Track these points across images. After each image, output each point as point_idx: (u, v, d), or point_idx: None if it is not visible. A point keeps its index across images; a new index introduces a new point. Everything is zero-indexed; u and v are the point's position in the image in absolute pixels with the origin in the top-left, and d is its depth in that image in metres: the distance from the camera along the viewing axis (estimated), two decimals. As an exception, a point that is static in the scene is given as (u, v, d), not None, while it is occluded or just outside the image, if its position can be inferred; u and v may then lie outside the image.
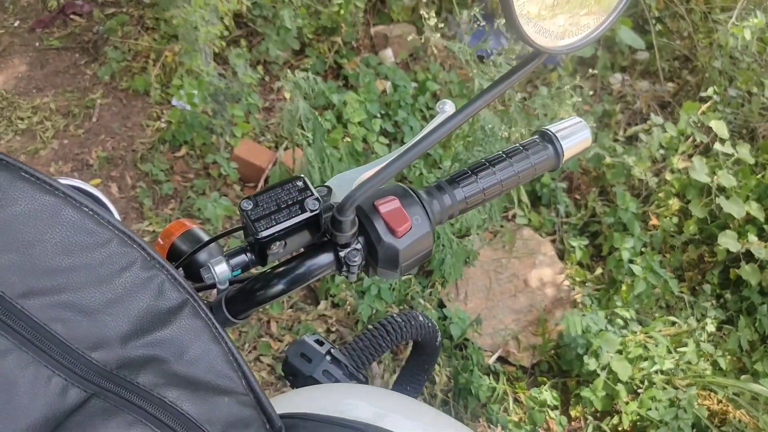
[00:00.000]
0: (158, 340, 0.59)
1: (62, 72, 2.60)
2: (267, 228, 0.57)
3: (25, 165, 0.57)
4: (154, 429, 0.54)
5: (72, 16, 2.82)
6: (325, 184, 0.65)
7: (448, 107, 0.69)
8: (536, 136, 0.64)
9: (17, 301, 0.53)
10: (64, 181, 0.69)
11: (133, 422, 0.53)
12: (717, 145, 1.90)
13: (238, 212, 0.59)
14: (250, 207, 0.57)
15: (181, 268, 0.75)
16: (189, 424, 0.56)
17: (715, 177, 1.82)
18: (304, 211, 0.58)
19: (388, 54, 2.65)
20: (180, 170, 2.25)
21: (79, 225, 0.58)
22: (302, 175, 0.61)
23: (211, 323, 0.61)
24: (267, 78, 2.54)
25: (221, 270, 0.59)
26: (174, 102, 2.33)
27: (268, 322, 1.93)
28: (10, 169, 0.56)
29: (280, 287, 0.60)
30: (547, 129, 0.64)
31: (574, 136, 0.64)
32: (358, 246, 0.59)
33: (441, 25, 2.12)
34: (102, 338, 0.56)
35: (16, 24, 2.79)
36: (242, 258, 0.60)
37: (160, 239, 0.86)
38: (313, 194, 0.59)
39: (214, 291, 0.68)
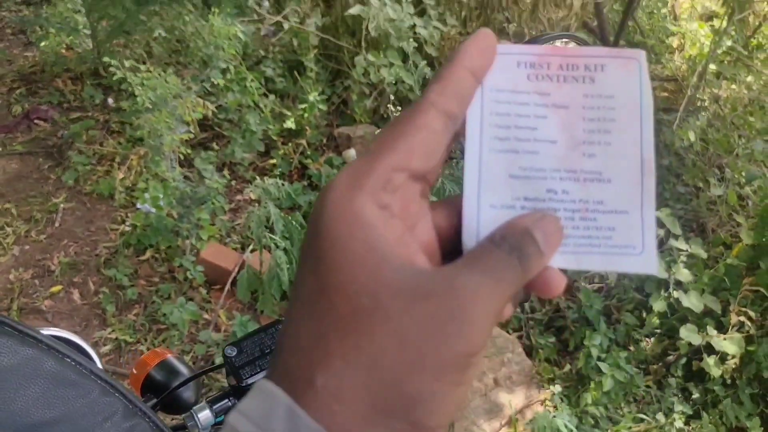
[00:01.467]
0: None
1: (25, 177, 2.60)
2: (252, 375, 0.58)
3: (7, 318, 0.58)
4: None
5: (36, 121, 2.85)
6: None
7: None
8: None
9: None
10: (46, 331, 0.69)
11: None
12: (671, 241, 1.98)
13: (222, 358, 0.60)
14: (234, 354, 0.58)
15: (159, 404, 0.75)
16: None
17: (672, 272, 1.89)
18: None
19: (351, 154, 2.73)
20: (145, 274, 2.23)
21: (60, 376, 0.58)
22: (284, 318, 0.62)
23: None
24: (233, 181, 2.57)
25: (204, 417, 0.59)
26: (139, 205, 2.34)
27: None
28: (-7, 324, 0.56)
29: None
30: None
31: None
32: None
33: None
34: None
35: (-21, 129, 2.79)
36: (226, 404, 0.60)
37: (134, 369, 0.85)
38: (295, 336, 0.60)
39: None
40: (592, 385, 1.80)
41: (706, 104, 2.54)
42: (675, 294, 1.88)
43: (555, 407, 1.78)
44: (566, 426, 1.64)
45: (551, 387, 1.87)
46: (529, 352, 2.01)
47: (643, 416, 1.75)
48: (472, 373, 0.29)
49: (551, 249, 0.31)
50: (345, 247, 0.28)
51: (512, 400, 1.85)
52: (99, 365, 0.75)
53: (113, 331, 2.05)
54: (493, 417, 1.83)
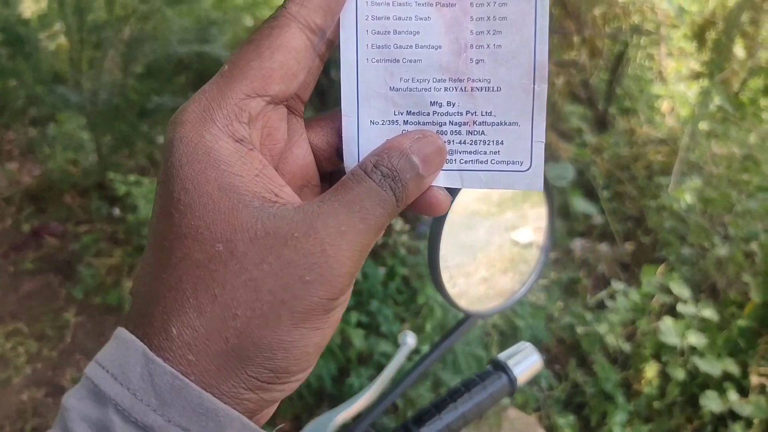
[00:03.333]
0: None
1: (37, 294, 2.63)
2: None
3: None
4: None
5: (46, 238, 2.91)
6: (301, 431, 0.66)
7: (410, 339, 0.73)
8: (489, 366, 0.68)
9: None
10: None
11: None
12: (680, 306, 1.96)
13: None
14: None
15: None
16: None
17: (684, 338, 1.86)
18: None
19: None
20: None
21: None
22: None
23: None
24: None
25: None
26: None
27: None
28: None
29: None
30: (498, 359, 0.67)
31: (524, 362, 0.67)
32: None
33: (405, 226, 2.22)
34: None
35: (-10, 251, 2.86)
36: None
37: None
38: None
39: None
40: (619, 465, 1.73)
41: (700, 164, 2.57)
42: (692, 360, 1.85)
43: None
44: None
45: (576, 469, 1.81)
46: (551, 432, 1.95)
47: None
48: (335, 315, 0.28)
49: (432, 171, 0.29)
50: (198, 190, 0.26)
51: (537, 486, 1.79)
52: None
53: None
54: (519, 506, 1.76)
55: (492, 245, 0.67)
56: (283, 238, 0.26)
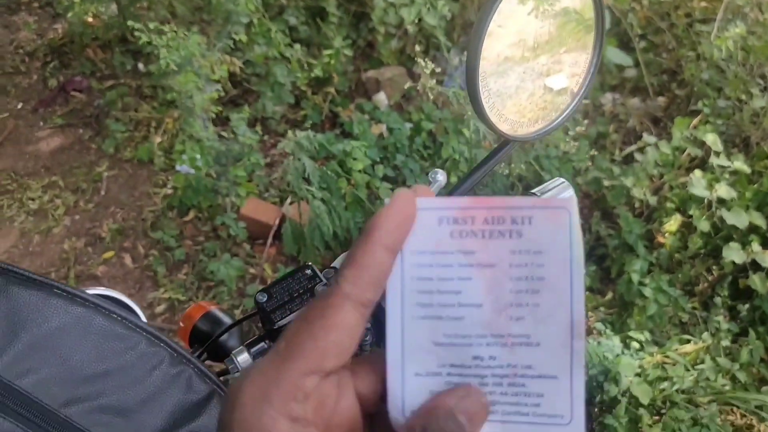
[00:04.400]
0: (191, 432, 0.62)
1: (68, 149, 2.68)
2: (282, 318, 0.61)
3: (55, 282, 0.61)
4: None
5: (72, 93, 2.91)
6: (332, 265, 0.69)
7: (440, 176, 0.73)
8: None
9: (60, 411, 0.57)
10: (91, 291, 0.73)
11: None
12: (712, 158, 1.93)
13: (254, 304, 0.63)
14: (265, 299, 0.61)
15: (205, 353, 0.80)
16: None
17: (714, 190, 1.85)
18: (314, 297, 0.62)
19: (381, 97, 2.71)
20: (190, 234, 2.30)
21: (109, 331, 0.62)
22: (310, 263, 0.65)
23: (240, 410, 0.64)
24: (266, 136, 2.60)
25: (243, 359, 0.63)
26: (178, 167, 2.39)
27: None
28: (42, 288, 0.60)
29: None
30: (533, 192, 0.67)
31: (559, 197, 0.67)
32: (368, 325, 0.63)
33: (432, 65, 2.17)
34: (140, 436, 0.59)
35: (19, 106, 2.87)
36: (262, 346, 0.63)
37: (181, 322, 0.90)
38: (321, 280, 0.63)
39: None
40: (635, 310, 1.80)
41: (746, 11, 2.42)
42: (718, 213, 1.85)
43: (600, 334, 1.79)
44: (611, 350, 1.66)
45: (594, 315, 1.88)
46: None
47: (689, 337, 1.75)
48: None
49: (477, 428, 0.30)
50: None
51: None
52: (143, 319, 0.79)
53: (165, 291, 2.13)
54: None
55: (524, 92, 0.65)
56: None
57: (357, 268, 0.29)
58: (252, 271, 2.17)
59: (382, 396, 0.32)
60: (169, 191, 2.44)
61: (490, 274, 0.31)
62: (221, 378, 0.67)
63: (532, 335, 0.30)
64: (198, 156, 2.25)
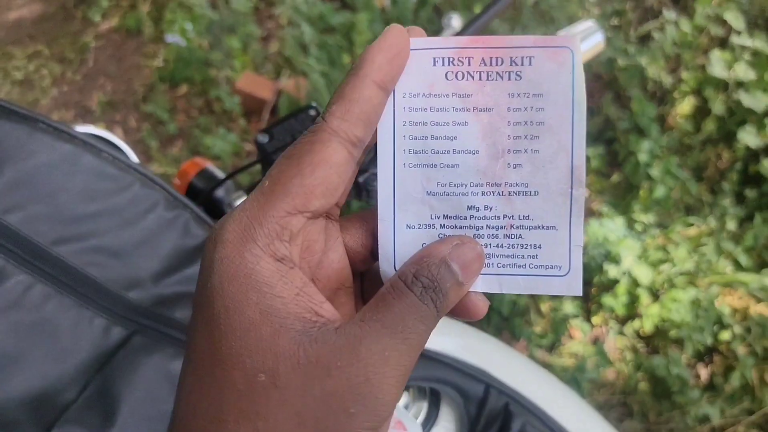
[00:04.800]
0: (188, 277, 0.59)
1: (51, 17, 2.53)
2: (286, 158, 0.56)
3: (41, 116, 0.56)
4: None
5: (54, -44, 2.72)
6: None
7: (454, 21, 0.66)
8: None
9: (51, 248, 0.53)
10: (80, 128, 0.67)
11: (174, 354, 0.54)
12: (733, 37, 1.83)
13: (254, 145, 0.58)
14: (267, 140, 0.56)
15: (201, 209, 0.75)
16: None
17: (732, 71, 1.77)
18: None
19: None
20: (183, 108, 2.22)
21: (100, 171, 0.57)
22: (314, 104, 0.59)
23: (242, 258, 0.61)
24: (262, 3, 2.45)
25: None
26: (168, 38, 2.27)
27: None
28: (27, 121, 0.55)
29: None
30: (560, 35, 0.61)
31: (587, 40, 0.61)
32: (375, 170, 0.58)
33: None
34: (136, 279, 0.56)
35: (-3, -31, 2.69)
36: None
37: (176, 179, 0.85)
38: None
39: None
40: (641, 193, 1.76)
41: None
42: (735, 96, 1.78)
43: (602, 215, 1.76)
44: (613, 233, 1.64)
45: (599, 197, 1.85)
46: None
47: (695, 219, 1.73)
48: None
49: (471, 278, 0.29)
50: (239, 315, 0.26)
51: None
52: (136, 160, 0.74)
53: (160, 165, 2.08)
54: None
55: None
56: (326, 367, 0.25)
57: (345, 102, 0.28)
58: (247, 148, 2.11)
59: (372, 252, 0.31)
60: (161, 64, 2.32)
61: (486, 118, 0.29)
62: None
63: (530, 183, 0.29)
64: (189, 25, 2.12)
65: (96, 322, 0.52)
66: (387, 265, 0.30)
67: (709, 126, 1.83)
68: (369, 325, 0.26)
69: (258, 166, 0.69)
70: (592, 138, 2.01)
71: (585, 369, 1.52)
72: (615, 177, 1.91)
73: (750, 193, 1.75)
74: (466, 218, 0.30)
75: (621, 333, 1.64)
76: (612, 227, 1.66)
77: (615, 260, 1.63)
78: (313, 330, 0.26)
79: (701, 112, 1.89)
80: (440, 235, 0.30)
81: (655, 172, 1.73)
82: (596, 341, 1.65)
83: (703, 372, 1.57)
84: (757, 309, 1.57)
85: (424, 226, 0.30)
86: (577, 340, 1.64)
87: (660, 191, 1.71)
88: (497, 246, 0.30)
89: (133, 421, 0.50)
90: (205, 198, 0.73)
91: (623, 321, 1.67)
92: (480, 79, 0.29)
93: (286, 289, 0.26)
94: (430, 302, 0.27)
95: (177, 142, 2.14)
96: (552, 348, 1.64)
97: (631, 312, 1.64)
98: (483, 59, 0.29)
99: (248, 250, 0.26)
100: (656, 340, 1.61)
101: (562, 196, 0.29)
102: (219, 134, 2.02)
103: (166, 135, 2.15)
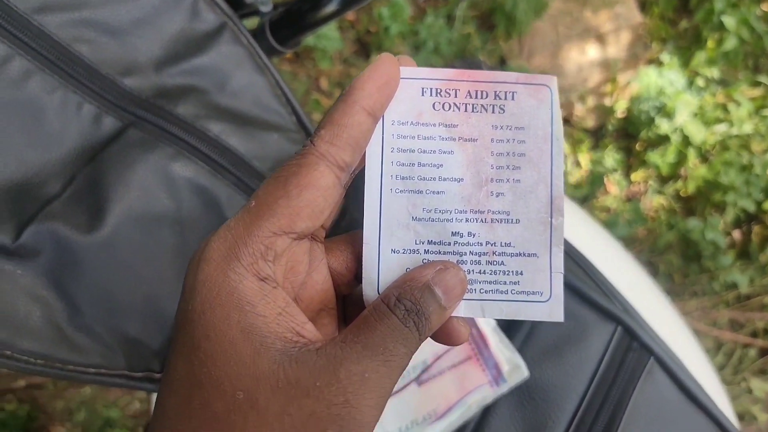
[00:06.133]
0: (196, 68, 0.52)
1: None
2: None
3: None
4: (199, 162, 0.49)
5: None
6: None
7: None
8: None
9: (33, 16, 0.46)
10: None
11: (175, 155, 0.48)
12: None
13: None
14: None
15: None
16: (236, 160, 0.51)
17: None
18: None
19: None
20: None
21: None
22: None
23: (254, 51, 0.53)
24: None
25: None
26: None
27: (317, 78, 1.86)
28: None
29: (332, 8, 0.51)
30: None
31: None
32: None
33: None
34: (133, 63, 0.49)
35: None
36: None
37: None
38: None
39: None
40: (709, 44, 1.60)
41: None
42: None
43: (662, 64, 1.62)
44: (672, 84, 1.51)
45: (661, 46, 1.69)
46: (643, 5, 1.78)
47: (763, 79, 1.58)
48: None
49: (453, 303, 0.29)
50: (220, 337, 0.25)
51: (616, 59, 1.70)
52: None
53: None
54: (590, 75, 1.71)
55: None
56: (305, 388, 0.25)
57: (334, 127, 0.28)
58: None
59: (356, 275, 0.31)
60: None
61: (471, 148, 0.30)
62: (237, 16, 0.55)
63: (512, 212, 0.30)
64: None
65: (85, 109, 0.47)
66: (370, 289, 0.30)
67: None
68: (350, 347, 0.26)
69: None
70: (665, -22, 1.80)
71: (617, 224, 1.47)
72: (683, 24, 1.74)
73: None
74: (450, 244, 0.30)
75: (660, 192, 1.57)
76: (671, 78, 1.53)
77: (669, 114, 1.51)
78: (293, 350, 0.26)
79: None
80: (424, 260, 0.30)
81: (729, 20, 1.55)
82: (631, 199, 1.59)
83: (739, 239, 1.52)
84: (811, 181, 1.47)
85: (408, 251, 0.30)
86: (612, 194, 1.58)
87: (730, 43, 1.55)
88: (480, 272, 0.30)
89: (124, 222, 0.46)
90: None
91: (665, 180, 1.59)
92: (466, 110, 0.30)
93: (269, 308, 0.26)
94: (413, 325, 0.27)
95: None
96: (585, 200, 1.58)
97: (674, 173, 1.55)
98: (469, 92, 0.30)
99: (232, 269, 0.26)
100: (696, 203, 1.54)
101: (542, 225, 0.30)
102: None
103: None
